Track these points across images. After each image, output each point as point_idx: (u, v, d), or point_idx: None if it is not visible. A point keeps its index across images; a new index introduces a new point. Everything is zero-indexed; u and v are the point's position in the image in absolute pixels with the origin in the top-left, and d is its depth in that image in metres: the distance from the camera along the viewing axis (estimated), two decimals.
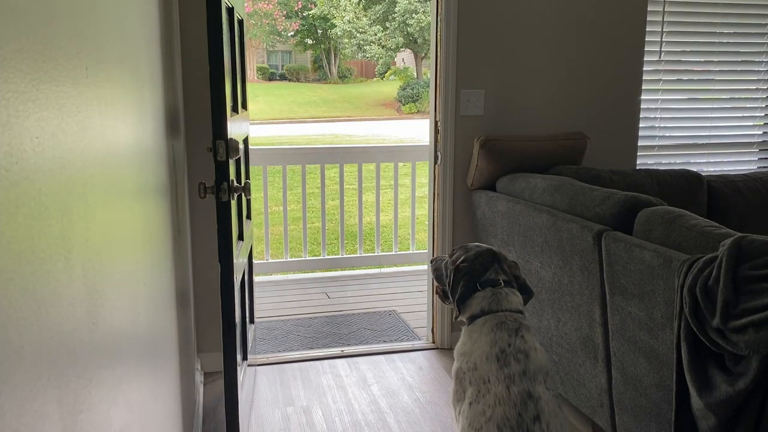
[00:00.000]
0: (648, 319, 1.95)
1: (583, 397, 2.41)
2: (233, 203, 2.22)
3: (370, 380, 3.09)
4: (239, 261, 2.42)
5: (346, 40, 26.97)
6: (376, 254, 4.96)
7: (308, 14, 27.31)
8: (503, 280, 1.89)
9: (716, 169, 3.92)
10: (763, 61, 3.86)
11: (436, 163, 3.35)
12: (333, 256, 5.01)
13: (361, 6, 26.49)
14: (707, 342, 1.61)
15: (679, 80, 3.77)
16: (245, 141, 2.85)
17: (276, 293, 4.41)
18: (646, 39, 3.55)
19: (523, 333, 1.76)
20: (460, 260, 1.95)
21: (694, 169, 3.54)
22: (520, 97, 3.38)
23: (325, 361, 3.29)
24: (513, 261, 2.01)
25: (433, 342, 3.52)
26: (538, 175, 2.94)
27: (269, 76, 28.77)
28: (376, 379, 3.11)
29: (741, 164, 3.98)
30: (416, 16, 24.51)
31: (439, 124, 3.30)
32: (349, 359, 3.32)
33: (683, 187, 3.17)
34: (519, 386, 1.63)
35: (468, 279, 1.90)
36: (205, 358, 3.17)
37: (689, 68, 3.79)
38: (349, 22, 26.27)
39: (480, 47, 3.27)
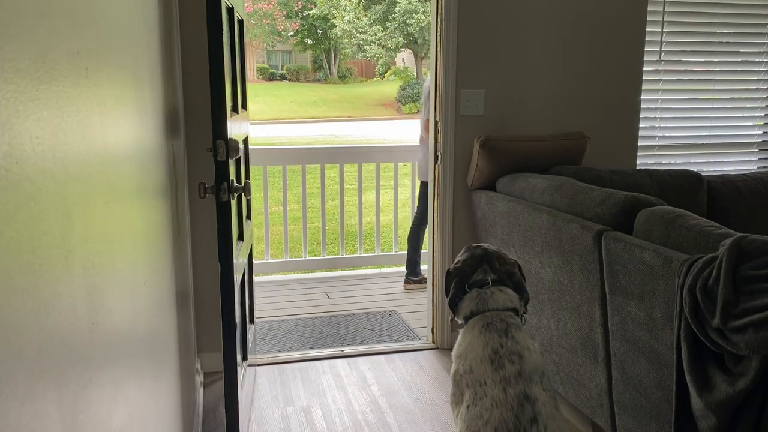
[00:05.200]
0: (648, 319, 1.95)
1: (583, 397, 2.41)
2: (233, 203, 2.22)
3: (370, 380, 3.09)
4: (239, 261, 2.42)
5: (346, 40, 26.96)
6: (376, 254, 4.96)
7: (308, 14, 27.30)
8: (492, 279, 1.88)
9: (716, 169, 3.92)
10: (763, 61, 3.86)
11: (436, 163, 3.35)
12: (333, 256, 5.01)
13: (361, 6, 26.48)
14: (707, 342, 1.61)
15: (679, 80, 3.77)
16: (245, 141, 2.85)
17: (276, 293, 4.41)
18: (646, 39, 3.55)
19: (513, 333, 1.75)
20: (453, 264, 1.96)
21: (694, 169, 3.54)
22: (520, 97, 3.38)
23: (325, 361, 3.29)
24: (512, 260, 1.99)
25: (433, 342, 3.52)
26: (538, 175, 2.94)
27: (269, 76, 28.76)
28: (376, 379, 3.11)
29: (741, 164, 3.98)
30: (416, 16, 24.49)
31: (439, 124, 3.30)
32: (349, 359, 3.32)
33: (683, 187, 3.17)
34: (515, 388, 1.62)
35: (457, 282, 1.91)
36: (205, 358, 3.17)
37: (689, 68, 3.79)
38: (349, 22, 26.25)
39: (480, 47, 3.27)
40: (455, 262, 1.98)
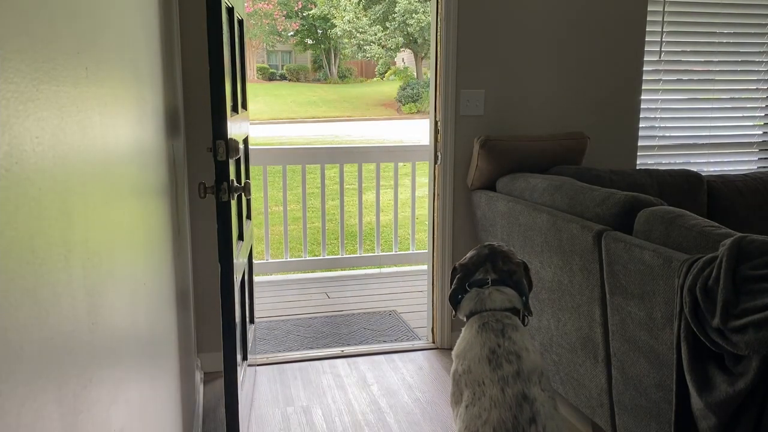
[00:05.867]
0: (648, 319, 1.95)
1: (583, 397, 2.41)
2: (233, 203, 2.22)
3: (370, 380, 3.09)
4: (239, 261, 2.42)
5: (346, 40, 26.96)
6: (376, 254, 4.96)
7: (308, 14, 27.30)
8: (492, 279, 1.88)
9: (716, 169, 3.92)
10: (763, 61, 3.86)
11: (436, 163, 3.35)
12: (333, 256, 5.01)
13: (361, 6, 26.47)
14: (707, 342, 1.61)
15: (679, 80, 3.77)
16: (245, 141, 2.85)
17: (276, 293, 4.41)
18: (646, 39, 3.55)
19: (510, 333, 1.74)
20: (458, 262, 1.97)
21: (694, 169, 3.54)
22: (520, 97, 3.38)
23: (325, 361, 3.29)
24: (518, 260, 1.98)
25: (433, 342, 3.51)
26: (538, 175, 2.94)
27: (269, 76, 28.76)
28: (376, 379, 3.11)
29: (741, 164, 3.97)
30: (416, 16, 24.49)
31: (439, 124, 3.30)
32: (349, 359, 3.32)
33: (683, 187, 3.17)
34: (513, 388, 1.62)
35: (460, 278, 1.91)
36: (205, 358, 3.17)
37: (689, 68, 3.79)
38: (349, 22, 26.25)
39: (480, 47, 3.27)
40: (460, 261, 1.98)
